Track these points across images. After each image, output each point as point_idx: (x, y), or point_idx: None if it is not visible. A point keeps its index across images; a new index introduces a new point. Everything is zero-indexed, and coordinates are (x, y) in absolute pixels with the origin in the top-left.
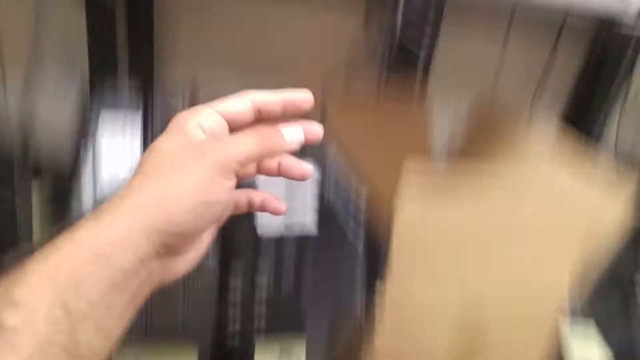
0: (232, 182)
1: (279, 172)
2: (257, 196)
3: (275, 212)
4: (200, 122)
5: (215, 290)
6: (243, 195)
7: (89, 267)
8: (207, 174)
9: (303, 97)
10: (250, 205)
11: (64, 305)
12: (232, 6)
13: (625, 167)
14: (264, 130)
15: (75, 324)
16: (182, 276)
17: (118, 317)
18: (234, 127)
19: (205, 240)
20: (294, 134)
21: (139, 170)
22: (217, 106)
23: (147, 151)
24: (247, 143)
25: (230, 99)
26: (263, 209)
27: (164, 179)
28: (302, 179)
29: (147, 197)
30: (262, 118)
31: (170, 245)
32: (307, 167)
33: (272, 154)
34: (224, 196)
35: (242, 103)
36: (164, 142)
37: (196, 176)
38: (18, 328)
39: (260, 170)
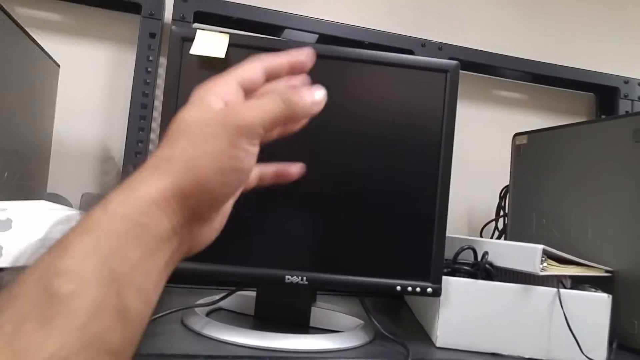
0: (256, 148)
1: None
2: (268, 168)
3: (297, 176)
4: (219, 92)
5: None
6: (253, 171)
7: (128, 237)
8: (233, 139)
9: (306, 54)
10: (261, 178)
11: (111, 271)
12: None
13: None
14: (286, 92)
15: (121, 288)
16: (206, 245)
17: (155, 284)
18: (249, 91)
19: (225, 212)
20: (317, 94)
21: (166, 141)
22: (232, 75)
23: (172, 124)
24: (271, 106)
25: (242, 67)
26: (280, 178)
27: (191, 146)
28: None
29: (176, 164)
30: (270, 78)
31: (199, 211)
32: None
33: (296, 116)
34: (248, 163)
35: (254, 69)
36: (187, 114)
37: (222, 141)
38: (73, 294)
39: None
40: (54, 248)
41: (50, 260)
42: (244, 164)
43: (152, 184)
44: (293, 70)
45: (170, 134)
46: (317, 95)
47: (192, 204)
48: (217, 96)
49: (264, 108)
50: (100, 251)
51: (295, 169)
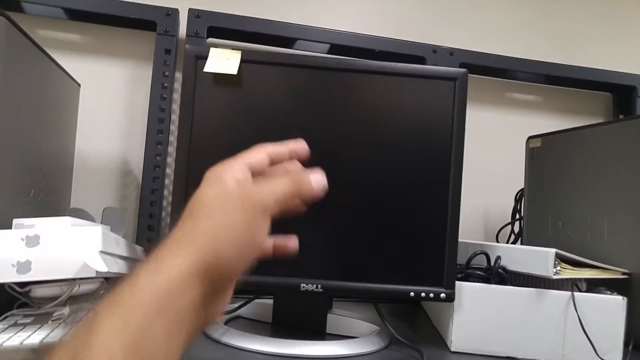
0: (269, 223)
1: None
2: (267, 242)
3: (293, 253)
4: (231, 172)
5: None
6: None
7: (156, 310)
8: (251, 215)
9: (302, 146)
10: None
11: (138, 348)
12: None
13: None
14: (295, 175)
15: None
16: (216, 320)
17: (174, 355)
18: (256, 173)
19: (232, 288)
20: (319, 178)
21: (188, 215)
22: (242, 159)
23: (193, 200)
24: (283, 186)
25: (251, 153)
26: (279, 252)
27: (212, 221)
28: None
29: (199, 238)
30: (274, 163)
31: (217, 282)
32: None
33: (302, 196)
34: (262, 236)
35: (261, 153)
36: (207, 191)
37: (242, 217)
38: None
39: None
40: (86, 324)
41: (84, 332)
42: (259, 236)
43: (176, 260)
44: (291, 157)
45: (190, 208)
46: (318, 179)
47: (211, 277)
48: (230, 175)
49: (276, 189)
50: (129, 328)
51: (292, 243)
